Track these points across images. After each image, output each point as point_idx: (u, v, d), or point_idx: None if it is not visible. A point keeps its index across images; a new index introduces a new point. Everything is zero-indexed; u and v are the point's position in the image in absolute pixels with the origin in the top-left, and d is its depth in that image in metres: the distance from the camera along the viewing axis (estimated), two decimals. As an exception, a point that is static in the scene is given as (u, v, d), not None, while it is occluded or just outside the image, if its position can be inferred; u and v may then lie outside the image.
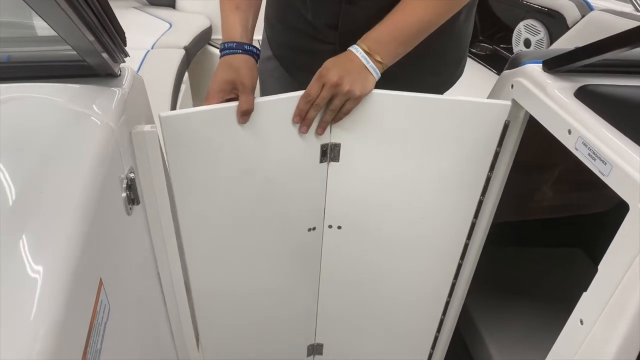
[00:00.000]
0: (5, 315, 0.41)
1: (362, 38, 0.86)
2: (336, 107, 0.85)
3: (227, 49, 0.86)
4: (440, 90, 1.11)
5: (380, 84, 0.87)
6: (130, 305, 0.71)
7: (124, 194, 0.71)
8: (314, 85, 0.84)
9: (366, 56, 0.84)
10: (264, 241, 1.03)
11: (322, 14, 0.97)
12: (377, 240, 1.07)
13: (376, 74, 0.85)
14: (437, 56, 1.04)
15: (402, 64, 0.88)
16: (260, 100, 0.84)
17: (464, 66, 1.13)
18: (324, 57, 0.86)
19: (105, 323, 0.55)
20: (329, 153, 0.94)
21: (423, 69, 1.02)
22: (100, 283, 0.55)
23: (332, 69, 0.83)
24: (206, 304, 1.08)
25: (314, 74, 0.85)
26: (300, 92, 0.85)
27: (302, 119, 0.86)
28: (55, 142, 0.62)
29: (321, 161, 0.94)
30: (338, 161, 0.95)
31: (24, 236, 0.48)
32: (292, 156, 0.92)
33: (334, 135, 0.91)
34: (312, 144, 0.91)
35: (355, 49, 0.85)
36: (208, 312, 1.10)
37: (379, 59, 0.84)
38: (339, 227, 1.05)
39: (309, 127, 0.87)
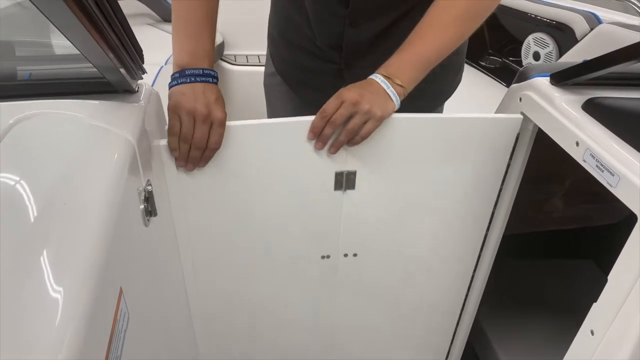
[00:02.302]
0: (30, 323, 0.43)
1: (380, 67, 0.85)
2: (354, 126, 0.83)
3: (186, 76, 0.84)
4: (440, 99, 1.11)
5: None
6: (147, 313, 0.73)
7: (142, 206, 0.72)
8: (331, 102, 0.83)
9: (386, 81, 0.83)
10: (275, 268, 1.02)
11: (325, 36, 0.98)
12: (393, 263, 1.07)
13: (396, 100, 0.84)
14: (436, 66, 1.05)
15: None
16: (271, 122, 0.84)
17: (462, 74, 1.13)
18: (327, 76, 0.86)
19: (125, 331, 0.56)
20: (344, 181, 0.92)
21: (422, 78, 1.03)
22: (121, 292, 0.56)
23: (352, 88, 0.82)
24: (217, 323, 1.09)
25: (316, 91, 0.84)
26: (312, 117, 0.84)
27: (316, 135, 0.85)
28: (77, 156, 0.64)
29: (335, 189, 0.93)
30: (354, 189, 0.93)
31: (48, 246, 0.50)
32: (306, 183, 0.91)
33: (350, 163, 0.90)
34: (327, 171, 0.90)
35: (375, 76, 0.84)
36: (219, 329, 1.11)
37: (399, 82, 0.83)
38: (355, 255, 1.03)
39: (324, 144, 0.86)
